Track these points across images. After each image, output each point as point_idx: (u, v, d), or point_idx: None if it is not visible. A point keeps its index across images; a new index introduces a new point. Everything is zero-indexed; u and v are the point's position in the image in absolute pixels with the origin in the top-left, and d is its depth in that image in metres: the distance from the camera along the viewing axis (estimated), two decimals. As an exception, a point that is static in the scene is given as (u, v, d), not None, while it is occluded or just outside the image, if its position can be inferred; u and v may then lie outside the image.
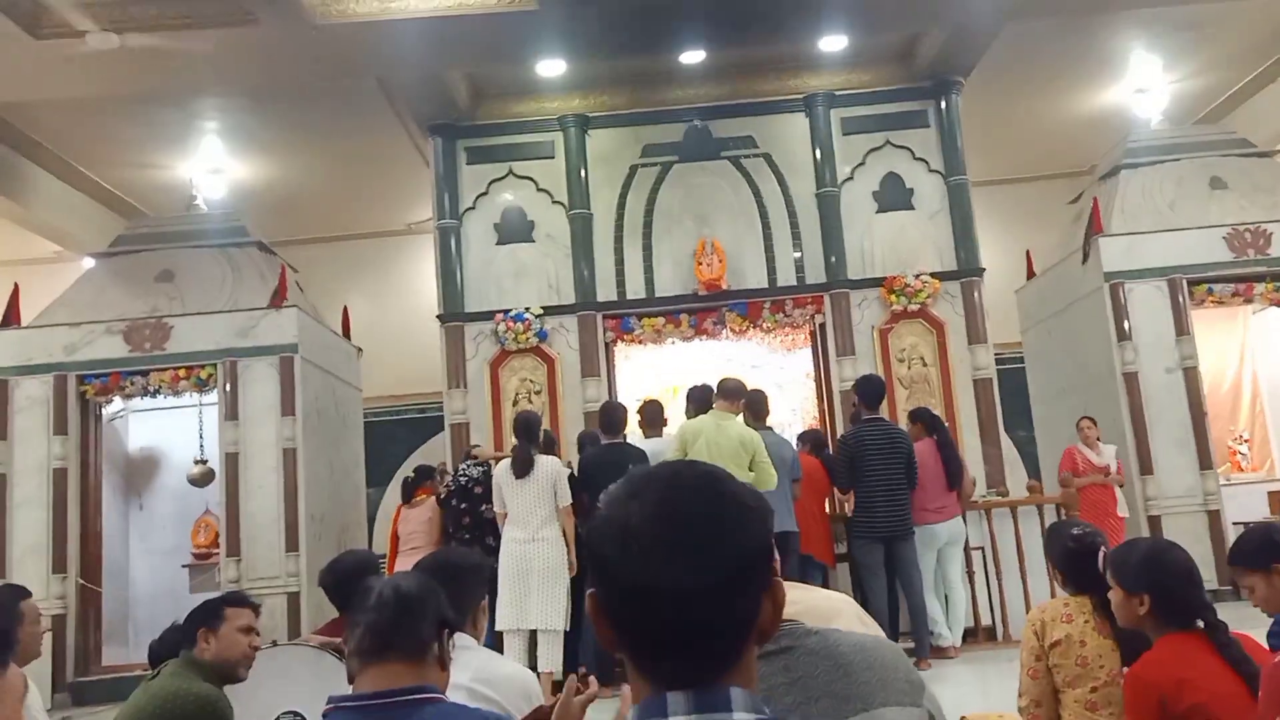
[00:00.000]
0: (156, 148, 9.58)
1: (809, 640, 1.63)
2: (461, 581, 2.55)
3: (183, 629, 3.40)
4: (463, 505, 6.45)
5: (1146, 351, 8.16)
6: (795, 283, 8.45)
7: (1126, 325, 8.20)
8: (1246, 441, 9.55)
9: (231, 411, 8.16)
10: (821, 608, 1.94)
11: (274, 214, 10.58)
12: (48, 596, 7.71)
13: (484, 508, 6.37)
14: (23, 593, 3.86)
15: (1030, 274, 9.76)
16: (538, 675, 5.83)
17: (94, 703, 7.34)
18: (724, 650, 0.96)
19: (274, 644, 4.13)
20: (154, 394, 8.43)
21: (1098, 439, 7.69)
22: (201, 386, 8.37)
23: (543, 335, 8.28)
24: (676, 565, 0.93)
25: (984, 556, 7.23)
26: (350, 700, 1.84)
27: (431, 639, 1.90)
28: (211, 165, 9.76)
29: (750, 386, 7.18)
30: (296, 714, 3.69)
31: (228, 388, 8.20)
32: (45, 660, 7.46)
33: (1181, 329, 8.16)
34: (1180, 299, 8.19)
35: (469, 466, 6.66)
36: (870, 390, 6.74)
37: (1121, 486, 7.67)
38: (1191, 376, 8.12)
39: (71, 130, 9.15)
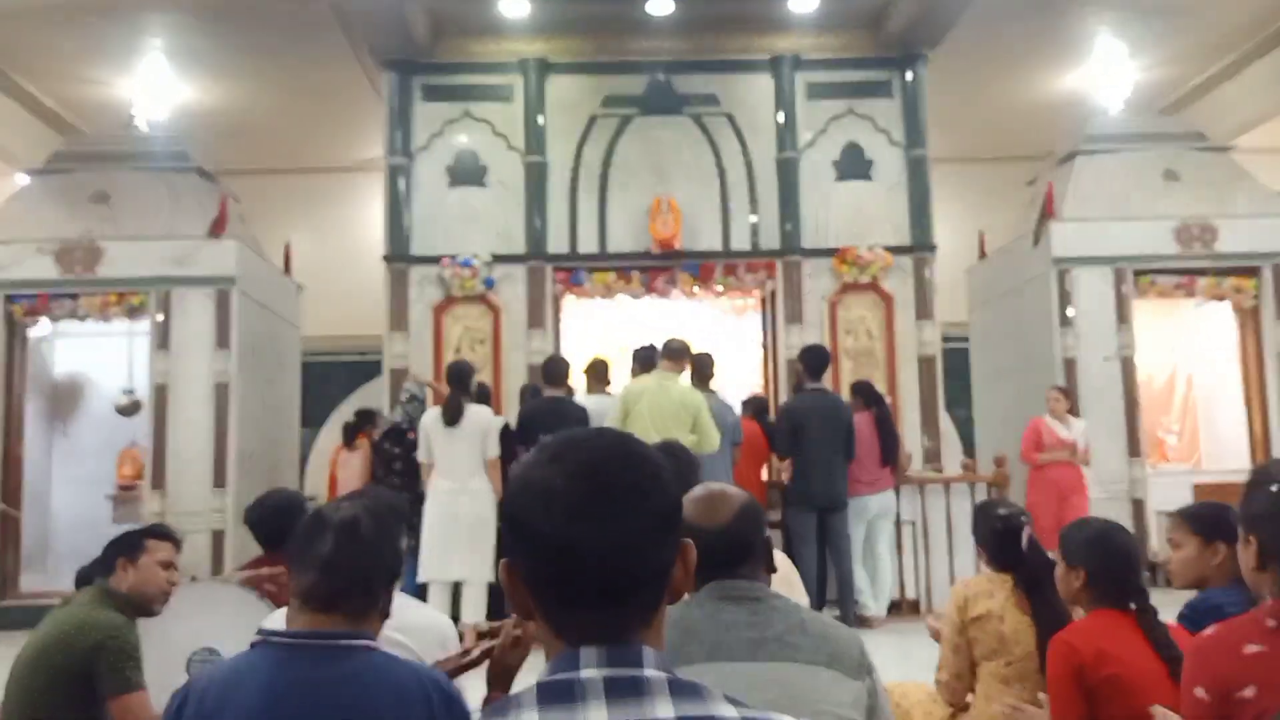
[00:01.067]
0: (98, 62, 9.20)
1: (776, 600, 1.83)
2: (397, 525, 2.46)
3: (101, 557, 3.32)
4: (395, 449, 6.35)
5: (1087, 338, 8.27)
6: (749, 247, 8.40)
7: (1070, 311, 8.29)
8: (1176, 433, 9.76)
9: (163, 341, 7.96)
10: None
11: (218, 141, 10.24)
12: (-39, 519, 7.50)
13: (416, 453, 6.29)
14: None
15: (982, 254, 9.82)
16: (460, 627, 5.83)
17: (10, 628, 7.11)
18: (638, 608, 1.02)
19: (193, 579, 4.04)
20: (83, 318, 8.21)
21: (1068, 412, 7.53)
22: (133, 314, 8.16)
23: (490, 283, 8.14)
24: (597, 524, 0.99)
25: (914, 531, 7.31)
26: (280, 635, 1.77)
27: (381, 593, 1.85)
28: (155, 85, 9.40)
29: (697, 349, 7.16)
30: (213, 650, 3.61)
31: (160, 317, 7.99)
32: (-43, 583, 7.30)
33: (1123, 318, 8.27)
34: (1124, 288, 8.29)
35: (405, 396, 6.54)
36: (815, 360, 6.74)
37: (1088, 465, 7.48)
38: (1128, 365, 8.26)
39: (9, 39, 8.73)
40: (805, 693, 1.70)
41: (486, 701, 2.00)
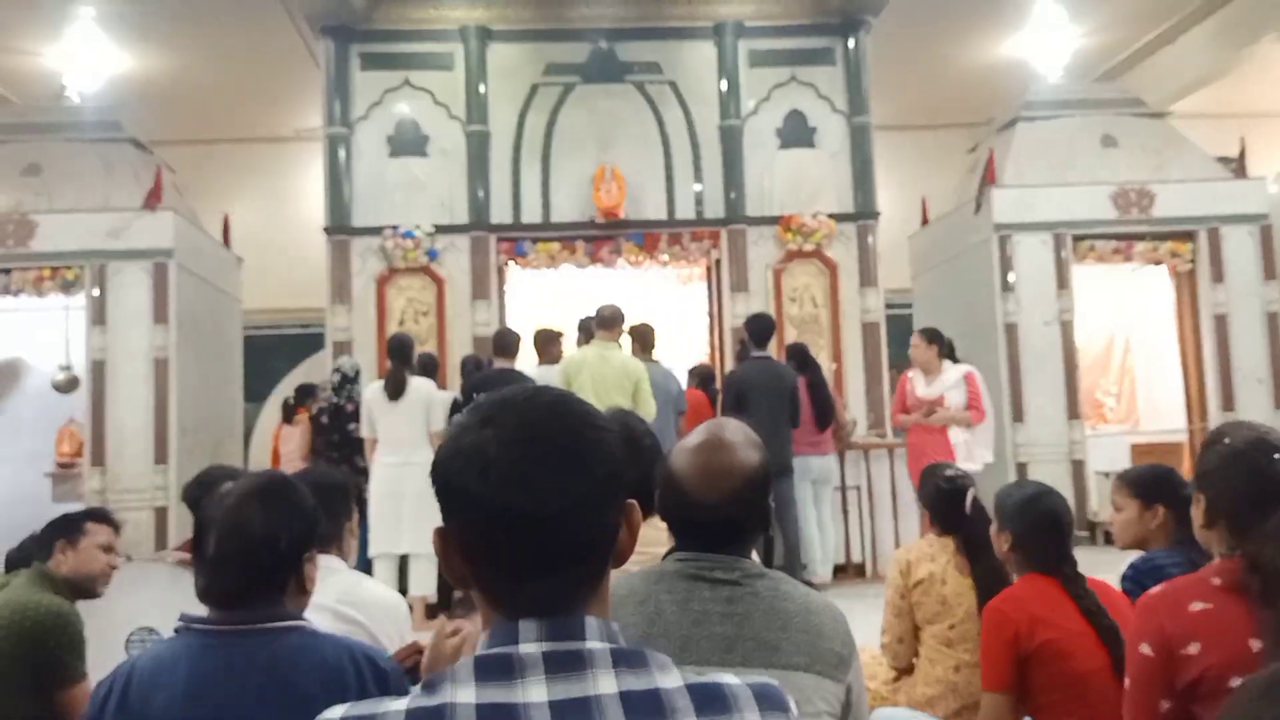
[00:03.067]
0: (27, 31, 8.93)
1: (758, 583, 1.67)
2: (326, 502, 2.44)
3: (40, 539, 3.26)
4: (334, 423, 6.30)
5: (1028, 303, 8.39)
6: (694, 216, 8.39)
7: (1011, 276, 8.40)
8: (1114, 395, 9.97)
9: (99, 316, 7.80)
10: None
11: (153, 111, 9.97)
12: (-107, 501, 7.32)
13: (352, 426, 6.24)
14: None
15: (925, 221, 9.91)
16: (408, 600, 5.82)
17: (-58, 612, 7.02)
18: (580, 576, 0.97)
19: (128, 559, 3.99)
20: (16, 294, 8.00)
21: (938, 357, 6.43)
22: (68, 289, 7.98)
23: (433, 254, 8.05)
24: (537, 488, 0.93)
25: (859, 495, 7.41)
26: (203, 622, 1.74)
27: (288, 576, 1.79)
28: (87, 54, 9.13)
29: (642, 318, 7.16)
30: (152, 630, 3.58)
31: (96, 291, 7.81)
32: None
33: (1062, 283, 8.40)
34: (1063, 254, 8.42)
35: (335, 378, 6.47)
36: (759, 328, 6.76)
37: (965, 426, 6.32)
38: (1067, 329, 8.40)
39: (-69, 5, 8.44)
40: None
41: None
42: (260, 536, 1.76)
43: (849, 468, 7.38)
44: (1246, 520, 1.89)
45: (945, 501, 3.34)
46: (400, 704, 0.94)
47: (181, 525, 7.23)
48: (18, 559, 3.43)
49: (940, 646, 3.34)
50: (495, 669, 0.93)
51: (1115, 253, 8.61)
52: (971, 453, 6.27)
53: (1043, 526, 2.75)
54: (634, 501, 1.03)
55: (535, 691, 0.91)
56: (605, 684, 0.93)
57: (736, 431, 1.77)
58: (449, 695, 0.92)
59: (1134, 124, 9.05)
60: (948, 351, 6.47)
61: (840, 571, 7.17)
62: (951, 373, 6.46)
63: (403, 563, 5.95)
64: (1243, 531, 1.89)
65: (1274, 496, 1.87)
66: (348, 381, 6.44)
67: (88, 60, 9.16)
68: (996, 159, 8.61)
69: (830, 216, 8.32)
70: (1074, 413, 8.32)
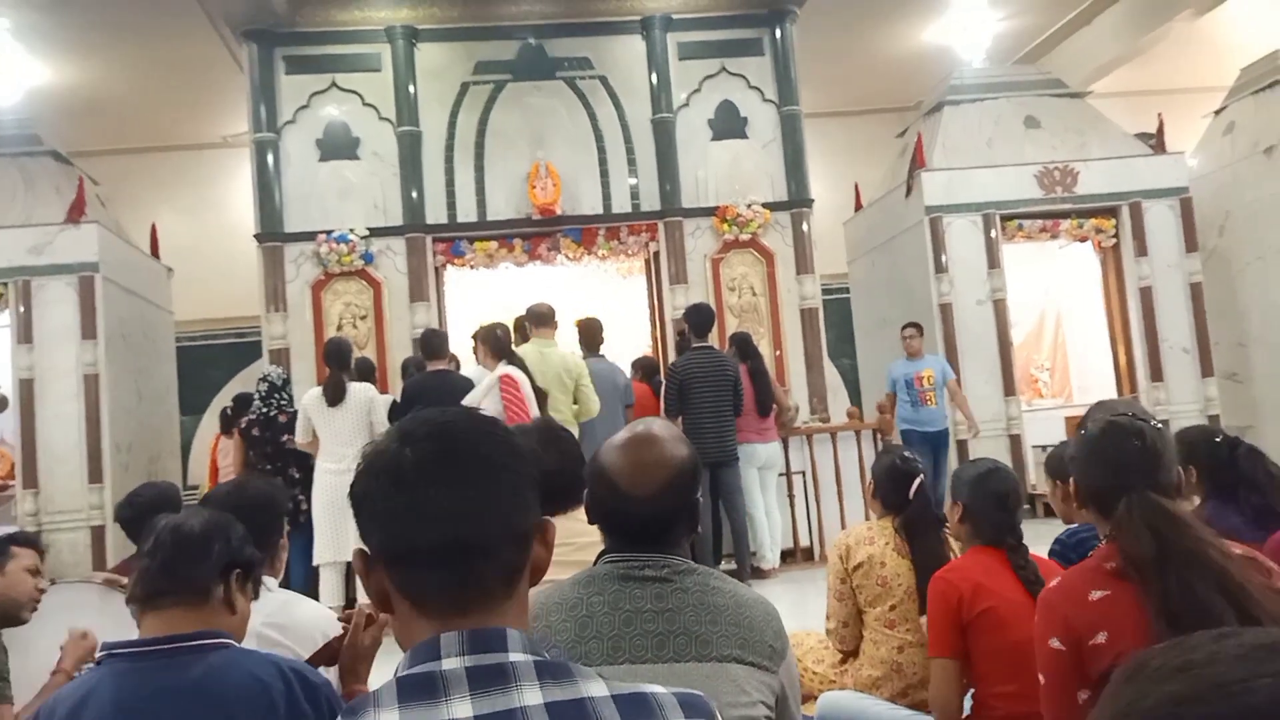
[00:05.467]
0: (-66, 43, 8.64)
1: (687, 578, 1.68)
2: (258, 517, 2.41)
3: None
4: (265, 434, 6.21)
5: (961, 283, 8.54)
6: (630, 209, 8.39)
7: (944, 258, 8.55)
8: (1048, 370, 10.20)
9: (25, 335, 7.59)
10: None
11: (74, 122, 9.76)
12: None
13: (285, 437, 6.14)
14: None
15: (858, 206, 10.04)
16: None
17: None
18: (498, 575, 0.99)
19: (53, 582, 3.90)
20: (-63, 314, 7.76)
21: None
22: (-10, 307, 7.75)
23: (368, 258, 7.96)
24: (448, 482, 0.97)
25: (804, 480, 7.50)
26: (125, 647, 1.72)
27: (213, 582, 1.79)
28: (2, 66, 8.87)
29: (584, 314, 7.17)
30: (80, 654, 3.51)
31: (21, 309, 7.60)
32: None
33: (993, 262, 8.57)
34: (993, 233, 8.58)
35: (263, 388, 6.37)
36: (699, 319, 6.80)
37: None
38: (1000, 308, 8.57)
39: None
40: (713, 694, 1.60)
41: (345, 694, 1.98)
42: (196, 540, 1.80)
43: (793, 453, 7.47)
44: (1107, 505, 1.92)
45: (895, 481, 3.41)
46: None
47: (119, 545, 7.08)
48: (-57, 586, 3.34)
49: (882, 628, 3.40)
50: (419, 689, 0.93)
51: (1042, 231, 8.80)
52: None
53: (991, 501, 2.85)
54: (549, 519, 1.05)
55: (460, 708, 0.91)
56: (530, 696, 0.93)
57: (664, 428, 1.79)
58: (372, 718, 0.92)
59: (1055, 104, 9.25)
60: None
61: (788, 556, 7.26)
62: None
63: (350, 570, 5.90)
64: (1107, 516, 1.93)
65: (1127, 480, 1.90)
66: (275, 390, 6.35)
67: (3, 72, 8.90)
68: (925, 143, 8.75)
69: (765, 206, 8.38)
70: (1010, 389, 8.50)
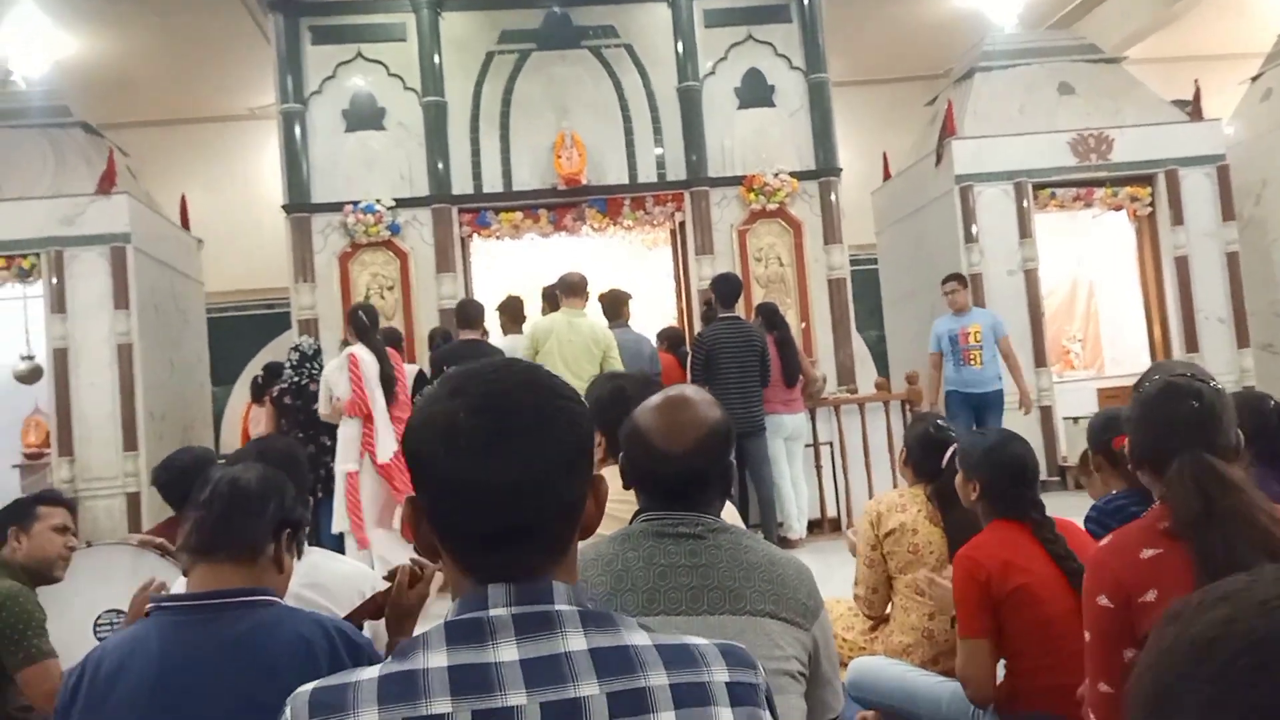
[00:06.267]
0: (-35, 16, 8.68)
1: (720, 536, 1.70)
2: (293, 473, 2.42)
3: None
4: (297, 403, 6.25)
5: (991, 253, 8.44)
6: (656, 179, 8.34)
7: (974, 227, 8.45)
8: (1080, 341, 10.09)
9: (58, 305, 7.68)
10: None
11: (102, 95, 9.79)
12: None
13: (316, 406, 6.19)
14: None
15: (886, 176, 9.93)
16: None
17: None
18: (547, 545, 0.98)
19: (89, 544, 3.96)
20: (-29, 284, 7.87)
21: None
22: (24, 277, 7.84)
23: (395, 229, 7.98)
24: (503, 459, 0.95)
25: (831, 451, 7.48)
26: (173, 600, 1.75)
27: (267, 540, 1.80)
28: (31, 37, 8.90)
29: (609, 285, 7.15)
30: (119, 612, 3.56)
31: (53, 280, 7.68)
32: None
33: (1025, 232, 8.46)
34: (1025, 202, 8.47)
35: (294, 358, 6.41)
36: (726, 288, 6.77)
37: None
38: (1031, 278, 8.47)
39: None
40: (750, 647, 1.61)
41: (388, 649, 2.00)
42: (251, 494, 1.81)
43: (820, 424, 7.44)
44: (1161, 464, 1.90)
45: (927, 449, 3.38)
46: (372, 672, 0.95)
47: (155, 511, 7.18)
48: (-18, 548, 3.40)
49: (913, 595, 3.38)
50: (466, 633, 0.94)
51: (1076, 199, 8.68)
52: None
53: (1008, 473, 2.78)
54: (601, 475, 1.05)
55: (506, 652, 0.93)
56: (575, 642, 0.94)
57: (697, 392, 1.82)
58: (421, 661, 0.93)
59: (1090, 70, 9.09)
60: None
61: (815, 527, 7.25)
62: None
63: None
64: (1160, 475, 1.91)
65: (1182, 441, 1.88)
66: (307, 360, 6.38)
67: (32, 45, 8.94)
68: (955, 110, 8.63)
69: (792, 175, 8.30)
70: (1041, 360, 8.41)
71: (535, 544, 0.98)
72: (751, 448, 6.59)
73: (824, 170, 8.42)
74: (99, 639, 3.24)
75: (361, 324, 5.68)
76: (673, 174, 8.34)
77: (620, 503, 1.97)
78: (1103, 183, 8.62)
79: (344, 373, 5.53)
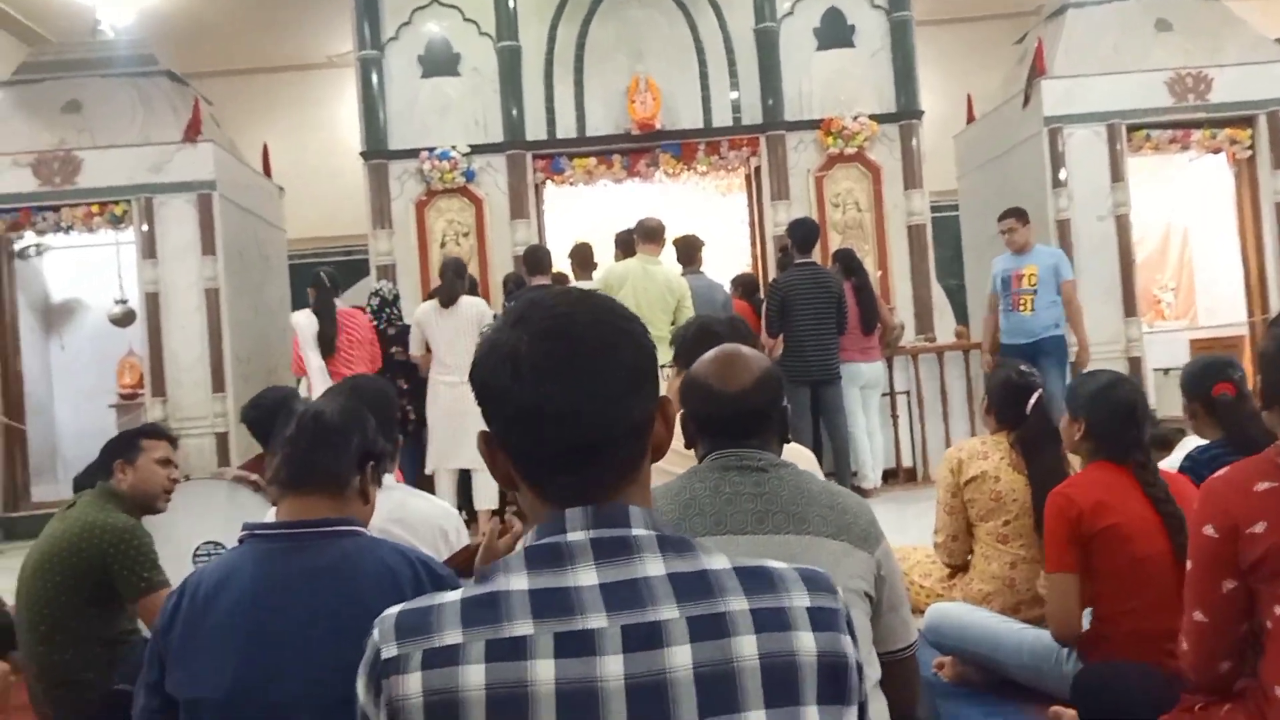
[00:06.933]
0: (56, -34, 8.90)
1: (783, 470, 1.78)
2: (376, 412, 2.47)
3: (98, 461, 3.38)
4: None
5: (1081, 198, 8.15)
6: (731, 123, 8.21)
7: (1063, 172, 8.16)
8: (1172, 290, 9.75)
9: (149, 250, 7.90)
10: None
11: (186, 43, 9.97)
12: (-31, 435, 7.62)
13: (395, 350, 6.31)
14: None
15: (970, 118, 9.62)
16: (476, 513, 5.96)
17: (25, 536, 7.29)
18: (618, 466, 0.99)
19: (187, 478, 4.12)
20: (67, 230, 8.14)
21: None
22: (116, 224, 8.10)
23: (470, 175, 8.01)
24: (569, 382, 0.96)
25: (908, 400, 7.39)
26: (264, 529, 1.80)
27: (352, 472, 1.85)
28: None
29: (683, 230, 7.11)
30: (217, 544, 3.71)
31: (144, 227, 7.91)
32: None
33: (1117, 175, 8.14)
34: (1118, 145, 8.14)
35: (374, 302, 6.51)
36: (802, 233, 6.68)
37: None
38: (1123, 224, 8.17)
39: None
40: (813, 564, 1.66)
41: None
42: (336, 427, 1.85)
43: (897, 372, 7.36)
44: None
45: (1010, 395, 3.33)
46: (455, 595, 0.97)
47: (242, 450, 7.42)
48: (84, 482, 3.56)
49: (995, 544, 3.35)
50: (545, 558, 0.96)
51: (1172, 142, 8.31)
52: None
53: (1117, 415, 2.74)
54: (669, 396, 1.06)
55: (585, 576, 0.94)
56: (653, 567, 0.95)
57: (746, 348, 1.92)
58: (502, 584, 0.95)
59: (1188, 6, 8.64)
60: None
61: (890, 477, 7.19)
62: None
63: (466, 478, 6.08)
64: None
65: None
66: (386, 305, 6.49)
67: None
68: (1045, 49, 8.29)
69: (872, 118, 8.09)
70: (1130, 310, 8.13)
71: (607, 464, 0.99)
72: (827, 396, 6.54)
73: (905, 113, 8.19)
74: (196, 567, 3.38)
75: (319, 283, 6.30)
76: (748, 118, 8.20)
77: (680, 459, 2.00)
78: (1200, 124, 8.24)
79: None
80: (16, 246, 8.53)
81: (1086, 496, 2.67)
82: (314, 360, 6.08)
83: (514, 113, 8.08)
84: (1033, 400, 3.29)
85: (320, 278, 6.33)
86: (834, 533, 1.70)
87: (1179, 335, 8.71)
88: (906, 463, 7.38)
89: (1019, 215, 6.84)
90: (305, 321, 6.22)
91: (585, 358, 0.97)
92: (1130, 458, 2.70)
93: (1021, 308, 6.69)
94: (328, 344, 6.08)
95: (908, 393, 7.40)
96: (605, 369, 0.97)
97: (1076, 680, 2.62)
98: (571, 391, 0.96)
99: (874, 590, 1.73)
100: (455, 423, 5.85)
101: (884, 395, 7.19)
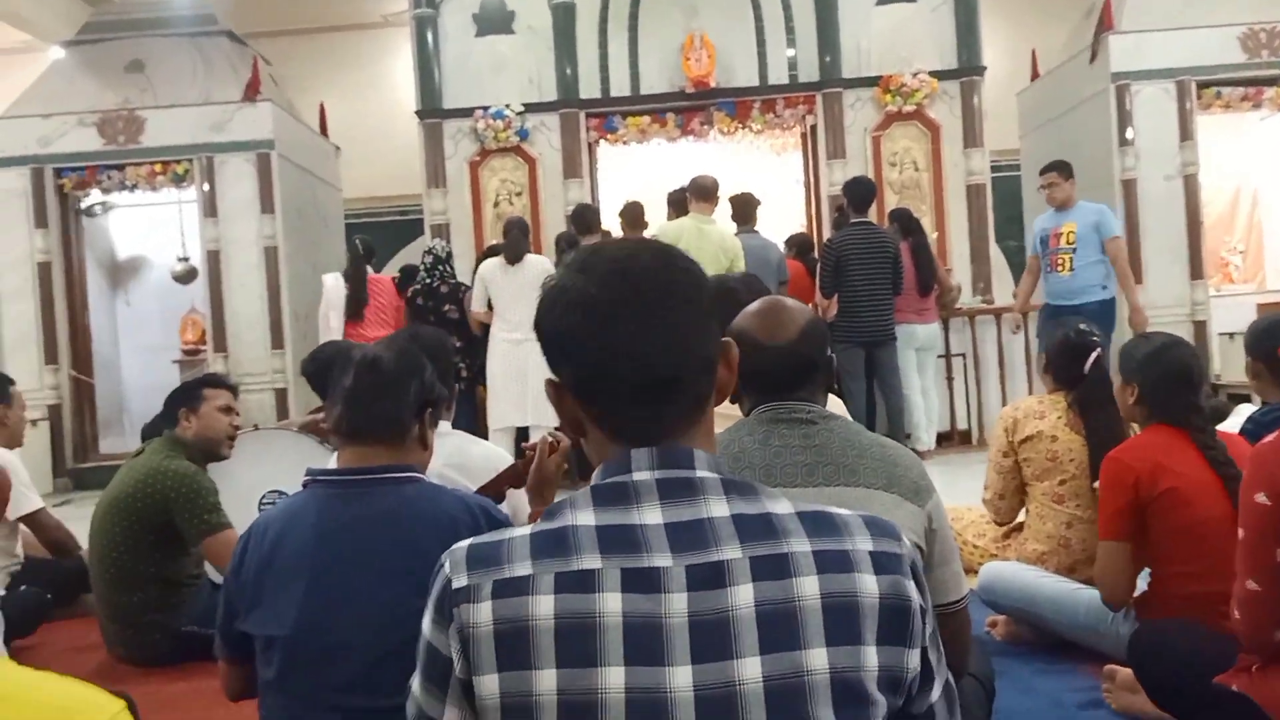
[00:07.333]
0: (119, -74, 9.00)
1: (833, 422, 1.77)
2: (434, 361, 2.49)
3: (163, 410, 3.49)
4: (429, 304, 6.44)
5: (1148, 157, 7.93)
6: (787, 81, 8.08)
7: (1130, 130, 7.95)
8: (1240, 253, 9.47)
9: (210, 209, 8.06)
10: None
11: (243, 2, 10.05)
12: (41, 387, 7.89)
13: (447, 308, 6.37)
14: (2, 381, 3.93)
15: (1034, 75, 9.38)
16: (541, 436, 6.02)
17: (93, 487, 7.56)
18: (683, 407, 1.01)
19: (255, 428, 4.22)
20: (131, 189, 8.32)
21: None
22: (179, 182, 8.27)
23: (524, 134, 8.00)
24: (636, 323, 0.98)
25: (965, 363, 7.30)
26: (327, 475, 1.84)
27: (412, 421, 1.87)
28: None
29: (737, 189, 7.05)
30: (282, 493, 3.80)
31: (205, 186, 8.05)
32: (44, 448, 7.69)
33: (1186, 134, 7.91)
34: (1187, 103, 7.90)
35: (428, 260, 6.57)
36: (859, 192, 6.58)
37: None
38: (1191, 184, 7.95)
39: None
40: None
41: (531, 519, 2.07)
42: (395, 376, 1.86)
43: (954, 334, 7.26)
44: None
45: (1068, 355, 3.27)
46: (524, 531, 0.99)
47: (301, 405, 7.57)
48: (150, 432, 3.68)
49: (1050, 503, 3.31)
50: (612, 496, 0.98)
51: (1244, 100, 8.05)
52: None
53: (1172, 377, 2.69)
54: (731, 340, 1.07)
55: (651, 514, 0.96)
56: (717, 508, 0.97)
57: (789, 299, 1.92)
58: (570, 519, 0.97)
59: (1263, -44, 8.31)
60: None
61: (945, 439, 7.13)
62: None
63: (520, 435, 6.15)
64: None
65: None
66: (440, 263, 6.55)
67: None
68: (1113, 2, 8.04)
69: (932, 74, 7.92)
70: (1197, 273, 7.94)
71: (674, 404, 1.01)
72: (881, 357, 6.48)
73: (967, 69, 8.00)
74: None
75: (354, 250, 6.74)
76: (805, 75, 8.07)
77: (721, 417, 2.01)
78: (1274, 81, 7.96)
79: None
80: (83, 204, 8.73)
81: (1143, 461, 2.63)
82: (334, 321, 6.45)
83: (568, 71, 8.05)
84: (1091, 360, 3.24)
85: (355, 245, 6.70)
86: (885, 485, 1.69)
87: (1246, 299, 8.45)
88: (961, 425, 7.31)
89: (1061, 169, 6.39)
90: (332, 284, 6.58)
91: (650, 298, 0.99)
92: (1187, 421, 2.65)
93: (1059, 268, 6.27)
94: (356, 308, 6.43)
95: (963, 355, 7.31)
96: (670, 309, 0.99)
97: (1133, 639, 2.59)
98: (639, 331, 0.98)
99: (924, 543, 1.72)
100: (514, 380, 5.92)
101: (939, 357, 7.11)
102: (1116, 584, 2.69)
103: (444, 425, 2.54)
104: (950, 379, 7.23)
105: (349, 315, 6.47)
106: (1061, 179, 6.34)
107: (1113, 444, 2.84)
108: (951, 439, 7.21)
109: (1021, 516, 3.52)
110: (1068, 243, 6.25)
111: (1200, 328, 7.90)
